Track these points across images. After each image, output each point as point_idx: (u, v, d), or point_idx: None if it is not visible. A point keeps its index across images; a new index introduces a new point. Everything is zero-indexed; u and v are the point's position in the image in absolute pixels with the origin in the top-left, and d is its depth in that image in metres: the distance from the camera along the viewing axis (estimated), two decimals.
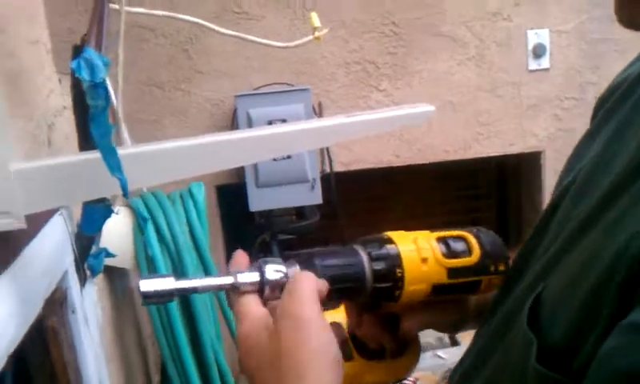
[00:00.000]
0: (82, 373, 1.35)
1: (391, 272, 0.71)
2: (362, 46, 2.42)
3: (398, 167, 2.59)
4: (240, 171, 2.33)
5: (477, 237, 0.76)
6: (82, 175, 0.93)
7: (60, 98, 1.32)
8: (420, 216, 3.06)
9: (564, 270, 0.58)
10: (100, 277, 1.55)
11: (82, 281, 1.38)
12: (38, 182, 0.88)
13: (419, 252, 0.72)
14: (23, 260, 1.00)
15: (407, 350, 0.80)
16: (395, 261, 0.71)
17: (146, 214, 1.74)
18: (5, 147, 0.84)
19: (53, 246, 1.17)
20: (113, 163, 0.79)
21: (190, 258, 1.80)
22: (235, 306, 0.66)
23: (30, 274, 1.03)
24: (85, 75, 0.72)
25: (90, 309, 1.44)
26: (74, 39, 2.05)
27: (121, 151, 0.84)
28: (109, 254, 1.48)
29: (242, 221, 2.49)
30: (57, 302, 1.24)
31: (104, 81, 0.73)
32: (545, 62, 2.56)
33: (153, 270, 1.77)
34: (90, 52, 0.73)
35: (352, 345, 0.75)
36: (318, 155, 2.41)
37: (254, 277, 0.66)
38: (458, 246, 0.75)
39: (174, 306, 1.81)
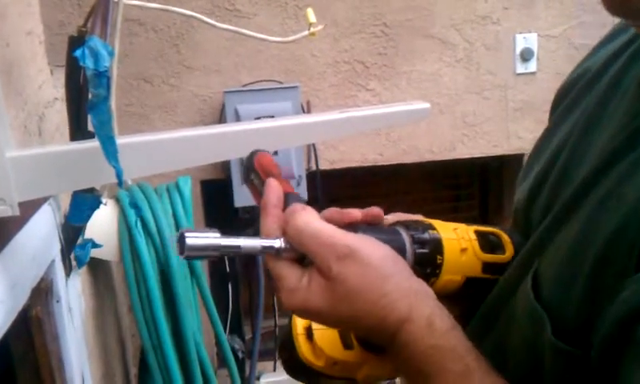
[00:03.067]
0: (64, 362, 1.35)
1: (432, 257, 0.69)
2: (353, 45, 2.43)
3: (382, 166, 2.60)
4: (226, 166, 2.33)
5: (509, 235, 0.75)
6: (75, 164, 0.93)
7: (52, 90, 1.32)
8: (403, 212, 3.06)
9: (558, 247, 0.60)
10: (84, 268, 1.55)
11: (68, 271, 1.38)
12: (31, 170, 0.89)
13: (459, 242, 0.71)
14: (13, 247, 1.00)
15: None
16: (437, 247, 0.70)
17: (129, 198, 1.74)
18: (1, 135, 0.84)
19: (41, 235, 1.17)
20: (110, 152, 0.80)
21: (174, 253, 1.80)
22: (273, 272, 0.64)
23: (19, 261, 1.03)
24: (89, 63, 0.72)
25: (74, 299, 1.44)
26: (66, 32, 2.05)
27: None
28: (95, 245, 1.48)
29: (225, 216, 2.49)
30: (42, 292, 1.24)
31: (107, 70, 0.73)
32: (532, 66, 2.58)
33: (137, 263, 1.76)
34: (95, 40, 0.74)
35: (354, 333, 0.72)
36: (304, 152, 2.42)
37: None
38: (494, 242, 0.75)
39: (157, 297, 1.80)
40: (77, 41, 1.07)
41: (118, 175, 0.81)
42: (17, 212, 0.88)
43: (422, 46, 2.49)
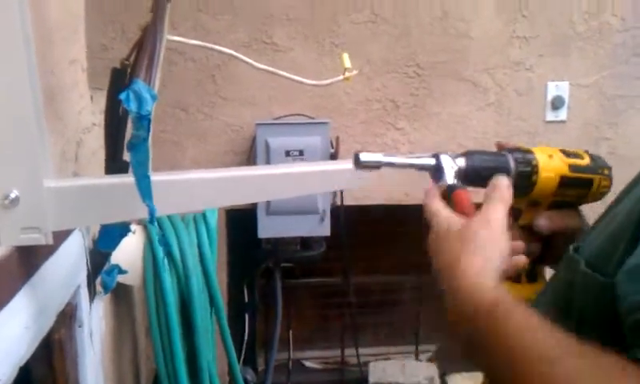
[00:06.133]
0: None
1: (528, 160, 0.93)
2: (385, 84, 2.43)
3: (407, 205, 2.59)
4: None
5: (586, 151, 0.99)
6: (110, 198, 0.94)
7: (90, 116, 1.34)
8: (423, 253, 3.04)
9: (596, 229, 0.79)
10: None
11: (92, 296, 1.39)
12: (68, 201, 0.90)
13: (546, 151, 0.96)
14: (43, 274, 1.01)
15: (538, 278, 1.01)
16: (530, 155, 0.94)
17: (159, 235, 1.74)
18: (42, 163, 0.85)
19: (70, 261, 1.18)
20: (145, 191, 0.81)
21: (196, 281, 1.81)
22: (428, 208, 0.86)
23: (47, 287, 1.03)
24: (132, 107, 0.74)
25: (95, 324, 1.45)
26: (107, 56, 2.07)
27: None
28: (121, 271, 1.49)
29: (248, 245, 2.50)
30: (66, 316, 1.25)
31: (149, 113, 0.75)
32: (562, 114, 2.56)
33: (159, 289, 1.77)
34: (140, 84, 0.75)
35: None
36: None
37: (453, 166, 0.90)
38: (573, 152, 0.98)
39: (176, 325, 1.81)
40: (119, 73, 1.09)
41: (151, 213, 0.82)
42: (50, 241, 0.89)
43: (454, 88, 2.49)
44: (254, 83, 2.33)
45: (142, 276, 1.78)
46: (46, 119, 0.94)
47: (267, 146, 2.22)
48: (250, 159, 2.35)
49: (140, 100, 0.74)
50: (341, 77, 1.39)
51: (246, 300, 2.70)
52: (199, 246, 1.84)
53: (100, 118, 1.36)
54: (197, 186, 0.99)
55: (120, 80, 1.10)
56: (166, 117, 2.30)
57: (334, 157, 2.30)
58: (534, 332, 0.65)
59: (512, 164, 0.93)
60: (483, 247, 0.78)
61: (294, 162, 2.22)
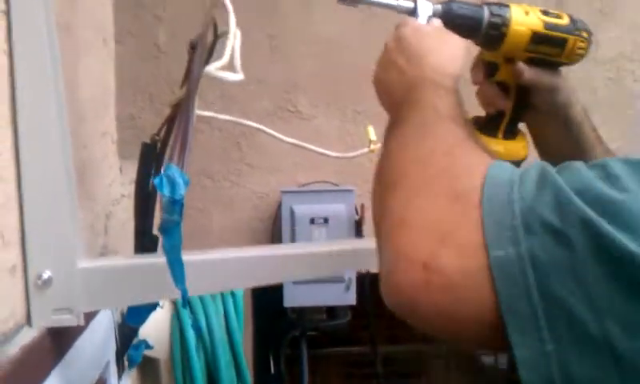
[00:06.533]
0: None
1: (502, 13, 0.94)
2: None
3: None
4: None
5: (568, 14, 0.98)
6: (142, 278, 0.93)
7: (119, 187, 1.34)
8: None
9: None
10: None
11: (120, 372, 1.36)
12: (100, 281, 0.89)
13: (524, 7, 0.96)
14: (74, 354, 0.99)
15: (518, 136, 1.01)
16: (505, 7, 0.95)
17: (191, 319, 1.74)
18: (74, 244, 0.84)
19: (100, 337, 1.16)
20: (178, 275, 0.80)
21: (223, 354, 1.78)
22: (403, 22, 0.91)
23: (79, 366, 1.02)
24: (166, 192, 0.74)
25: None
26: (136, 125, 2.08)
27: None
28: (148, 346, 1.47)
29: (274, 314, 2.46)
30: None
31: (182, 198, 0.75)
32: None
33: (186, 363, 1.75)
34: (173, 169, 0.75)
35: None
36: None
37: (429, 11, 0.94)
38: (554, 13, 0.97)
39: None
40: (149, 148, 1.10)
41: (184, 296, 0.81)
42: (82, 322, 0.88)
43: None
44: (279, 151, 2.34)
45: (169, 348, 1.76)
46: (77, 195, 0.94)
47: (292, 213, 2.21)
48: (275, 225, 2.34)
49: (173, 185, 0.74)
50: (366, 149, 1.40)
51: (272, 370, 2.65)
52: (226, 317, 1.82)
53: (129, 189, 1.36)
54: (227, 266, 0.99)
55: (150, 155, 1.10)
56: (193, 185, 2.29)
57: (359, 224, 2.28)
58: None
59: (486, 15, 0.95)
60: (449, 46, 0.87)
61: (318, 229, 2.21)
